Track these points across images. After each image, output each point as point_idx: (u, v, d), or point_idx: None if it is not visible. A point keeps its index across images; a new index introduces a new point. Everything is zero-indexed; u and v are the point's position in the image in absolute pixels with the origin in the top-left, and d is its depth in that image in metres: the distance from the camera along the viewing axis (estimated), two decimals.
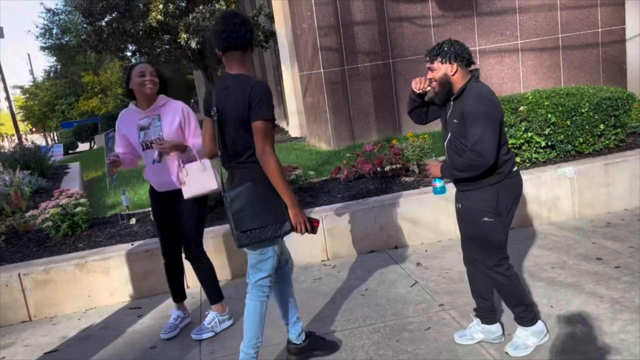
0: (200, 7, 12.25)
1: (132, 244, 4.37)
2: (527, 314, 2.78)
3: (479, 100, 2.55)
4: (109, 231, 4.82)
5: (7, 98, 26.24)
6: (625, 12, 8.66)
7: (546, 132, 4.83)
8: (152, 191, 3.44)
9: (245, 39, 2.60)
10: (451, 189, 2.95)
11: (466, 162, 2.55)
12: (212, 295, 3.53)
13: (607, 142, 5.05)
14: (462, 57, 2.62)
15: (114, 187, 6.32)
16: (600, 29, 8.69)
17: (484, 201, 2.66)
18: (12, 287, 4.04)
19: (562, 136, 4.89)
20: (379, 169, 5.35)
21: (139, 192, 6.58)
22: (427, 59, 2.68)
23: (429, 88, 2.75)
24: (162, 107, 3.30)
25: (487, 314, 2.90)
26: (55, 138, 33.73)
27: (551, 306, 3.23)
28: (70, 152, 23.68)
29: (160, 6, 12.17)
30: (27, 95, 37.60)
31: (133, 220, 5.00)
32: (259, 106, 2.51)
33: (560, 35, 8.65)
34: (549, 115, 4.77)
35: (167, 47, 14.36)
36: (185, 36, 12.09)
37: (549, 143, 4.91)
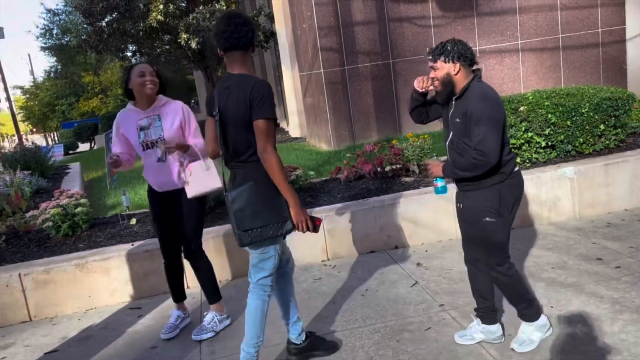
0: (201, 8, 12.25)
1: (133, 244, 4.37)
2: (531, 310, 2.80)
3: (483, 100, 2.55)
4: (110, 231, 4.82)
5: (8, 98, 26.26)
6: (625, 13, 8.66)
7: (546, 132, 4.83)
8: (151, 192, 3.44)
9: (247, 39, 2.61)
10: (452, 189, 2.95)
11: (469, 161, 2.55)
12: (211, 295, 3.54)
13: (607, 142, 5.05)
14: (465, 56, 2.62)
15: (114, 188, 6.32)
16: (600, 29, 8.69)
17: (486, 201, 2.66)
18: (13, 288, 4.04)
19: (562, 136, 4.89)
20: (379, 169, 5.35)
21: (139, 193, 6.58)
22: (430, 57, 2.68)
23: (431, 87, 2.75)
24: (162, 107, 3.30)
25: (488, 314, 2.90)
26: (56, 138, 33.73)
27: (551, 306, 3.23)
28: (70, 152, 23.69)
29: (161, 6, 12.18)
30: (28, 96, 37.64)
31: (133, 221, 5.00)
32: (260, 105, 2.52)
33: (560, 36, 8.65)
34: (549, 116, 4.77)
35: (167, 47, 14.36)
36: (185, 36, 12.09)
37: (549, 143, 4.91)
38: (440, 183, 2.86)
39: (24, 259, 4.40)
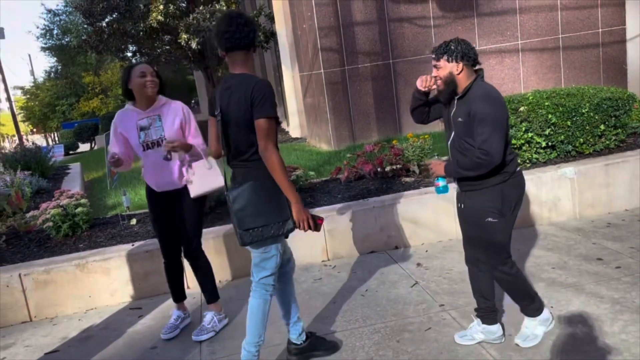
0: (201, 8, 12.25)
1: (133, 245, 4.37)
2: (534, 305, 2.82)
3: (487, 100, 2.55)
4: (110, 232, 4.82)
5: (8, 99, 26.26)
6: (625, 13, 8.65)
7: (546, 132, 4.83)
8: (150, 192, 3.43)
9: (249, 39, 2.62)
10: (452, 188, 2.95)
11: (473, 160, 2.55)
12: (210, 295, 3.54)
13: (607, 142, 5.05)
14: (469, 56, 2.62)
15: (115, 188, 6.33)
16: (600, 30, 8.69)
17: (488, 201, 2.66)
18: (13, 288, 4.04)
19: (562, 136, 4.88)
20: (379, 169, 5.35)
21: (139, 193, 6.58)
22: (434, 56, 2.68)
23: (434, 86, 2.75)
24: (162, 108, 3.31)
25: (488, 314, 2.90)
26: (56, 139, 33.73)
27: (552, 306, 3.23)
28: (70, 152, 23.68)
29: (161, 7, 12.18)
30: (28, 96, 37.63)
31: (134, 221, 5.00)
32: (262, 104, 2.52)
33: (560, 36, 8.65)
34: (550, 116, 4.77)
35: (167, 47, 14.36)
36: (185, 37, 12.09)
37: (550, 143, 4.91)
38: (441, 182, 2.86)
39: (25, 259, 4.41)
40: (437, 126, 7.99)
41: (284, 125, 13.54)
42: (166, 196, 3.36)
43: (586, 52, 8.73)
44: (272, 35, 12.79)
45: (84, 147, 25.99)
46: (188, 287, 4.13)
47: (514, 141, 4.83)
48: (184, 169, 3.28)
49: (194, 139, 3.33)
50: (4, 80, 26.04)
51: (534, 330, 2.85)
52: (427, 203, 4.57)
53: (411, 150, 5.38)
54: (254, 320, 2.74)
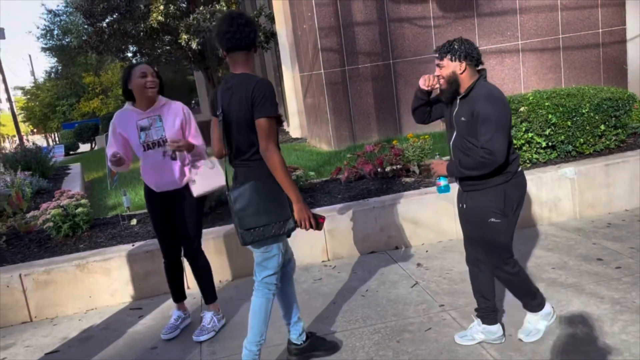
0: (201, 8, 12.25)
1: (133, 245, 4.37)
2: (536, 301, 2.85)
3: (490, 99, 2.56)
4: (110, 232, 4.82)
5: (9, 99, 26.24)
6: (625, 13, 8.65)
7: (547, 132, 4.83)
8: (149, 193, 3.42)
9: (250, 39, 2.62)
10: (453, 188, 2.95)
11: (477, 160, 2.55)
12: (209, 295, 3.55)
13: (607, 142, 5.05)
14: (472, 56, 2.62)
15: (115, 188, 6.33)
16: (600, 30, 8.69)
17: (491, 202, 2.66)
18: (13, 288, 4.05)
19: (562, 137, 4.88)
20: (379, 169, 5.35)
21: (139, 193, 6.58)
22: (437, 55, 2.68)
23: (436, 85, 2.75)
24: (162, 108, 3.31)
25: (489, 315, 2.90)
26: (57, 139, 33.76)
27: (552, 307, 3.22)
28: (71, 153, 23.70)
29: (161, 7, 12.18)
30: (28, 96, 37.65)
31: (134, 221, 5.00)
32: (262, 104, 2.53)
33: (560, 36, 8.65)
34: (550, 116, 4.77)
35: (167, 48, 14.35)
36: (185, 37, 12.09)
37: (550, 144, 4.91)
38: (443, 182, 2.87)
39: (25, 259, 4.41)
40: (438, 126, 7.99)
41: (284, 125, 13.54)
42: (166, 196, 3.37)
43: (586, 52, 8.73)
44: (272, 36, 12.79)
45: (84, 147, 26.02)
46: (188, 288, 4.13)
47: (514, 141, 4.83)
48: (186, 169, 3.29)
49: (194, 139, 3.34)
50: (4, 81, 26.05)
51: (537, 325, 2.88)
52: (427, 203, 4.57)
53: (411, 150, 5.38)
54: (256, 319, 2.75)
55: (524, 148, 4.91)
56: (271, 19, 12.23)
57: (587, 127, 4.91)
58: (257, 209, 2.59)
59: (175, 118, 3.30)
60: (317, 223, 2.64)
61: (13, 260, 4.43)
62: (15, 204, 5.65)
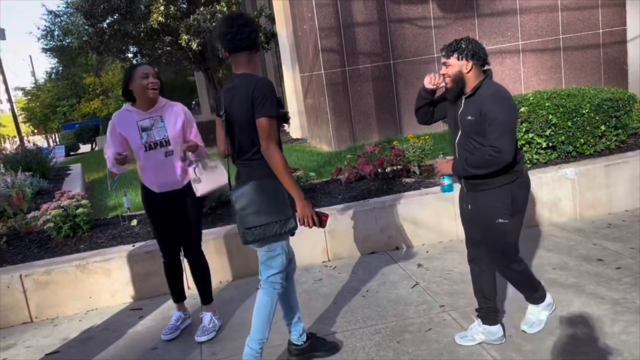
0: (201, 9, 12.25)
1: (134, 245, 4.37)
2: (538, 294, 2.91)
3: (497, 99, 2.56)
4: (110, 232, 4.82)
5: (9, 100, 26.26)
6: (626, 13, 8.65)
7: (547, 133, 4.83)
8: (148, 193, 3.41)
9: (250, 40, 2.62)
10: (454, 188, 2.95)
11: (484, 158, 2.55)
12: (207, 296, 3.56)
13: (608, 143, 5.05)
14: (479, 56, 2.63)
15: (115, 189, 6.34)
16: (601, 30, 8.69)
17: (498, 202, 2.66)
18: (14, 289, 4.05)
19: (563, 137, 4.88)
20: (379, 170, 5.35)
21: (140, 194, 6.58)
22: (444, 53, 2.68)
23: (442, 84, 2.75)
24: (163, 108, 3.32)
25: (489, 315, 2.90)
26: (57, 139, 33.76)
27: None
28: (71, 153, 23.68)
29: (162, 8, 12.18)
30: (29, 97, 37.68)
31: (134, 222, 5.00)
32: (262, 103, 2.54)
33: (561, 37, 8.65)
34: (550, 116, 4.77)
35: (168, 48, 14.35)
36: (186, 38, 12.09)
37: (550, 144, 4.91)
38: (447, 181, 2.87)
39: (25, 260, 4.41)
40: (438, 127, 7.99)
41: (284, 126, 13.54)
42: (165, 197, 3.36)
43: (587, 52, 8.73)
44: (272, 36, 12.80)
45: (84, 148, 26.01)
46: (188, 288, 4.13)
47: None
48: (190, 168, 3.29)
49: (195, 139, 3.37)
50: (5, 82, 26.06)
51: (539, 315, 2.96)
52: (427, 204, 4.57)
53: (412, 151, 5.39)
54: (260, 317, 2.75)
55: (525, 148, 4.91)
56: (271, 19, 12.24)
57: (588, 128, 4.91)
58: (258, 208, 2.60)
59: (176, 119, 3.32)
60: (320, 220, 2.64)
61: (13, 260, 4.43)
62: (16, 205, 5.66)
